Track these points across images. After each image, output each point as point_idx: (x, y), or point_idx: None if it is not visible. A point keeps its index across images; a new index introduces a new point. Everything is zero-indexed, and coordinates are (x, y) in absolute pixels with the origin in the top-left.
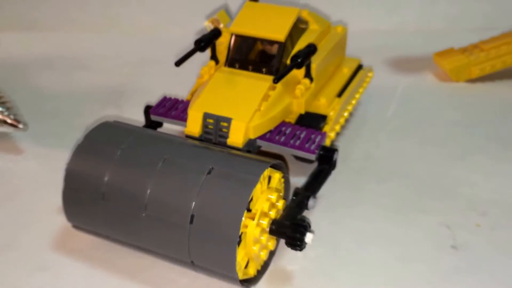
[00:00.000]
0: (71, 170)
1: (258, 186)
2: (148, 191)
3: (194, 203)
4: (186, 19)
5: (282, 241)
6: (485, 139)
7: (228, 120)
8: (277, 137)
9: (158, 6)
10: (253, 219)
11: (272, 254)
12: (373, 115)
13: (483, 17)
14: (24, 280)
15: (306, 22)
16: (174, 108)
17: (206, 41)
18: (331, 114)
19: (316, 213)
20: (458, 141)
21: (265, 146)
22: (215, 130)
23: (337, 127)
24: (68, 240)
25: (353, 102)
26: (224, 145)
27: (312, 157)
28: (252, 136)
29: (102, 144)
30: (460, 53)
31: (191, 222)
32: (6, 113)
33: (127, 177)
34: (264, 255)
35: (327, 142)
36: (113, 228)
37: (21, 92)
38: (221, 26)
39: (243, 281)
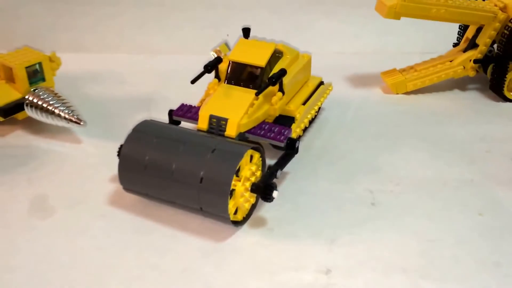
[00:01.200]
0: (125, 151)
1: (243, 160)
2: (174, 163)
3: (203, 170)
4: (198, 48)
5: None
6: (409, 135)
7: (226, 120)
8: (259, 131)
9: (179, 37)
10: (240, 181)
11: (253, 207)
12: (333, 118)
13: (424, 43)
14: (91, 223)
15: (281, 52)
16: (189, 111)
17: (212, 66)
18: (297, 116)
19: (285, 182)
20: (390, 136)
21: (251, 137)
22: (217, 126)
23: (302, 126)
24: (119, 199)
25: (316, 108)
26: (223, 136)
27: (282, 144)
28: (242, 130)
29: (144, 134)
30: (399, 72)
31: (201, 182)
32: (70, 113)
33: (161, 155)
34: (247, 206)
35: (294, 135)
36: (151, 188)
37: (76, 99)
38: (222, 55)
39: (233, 222)
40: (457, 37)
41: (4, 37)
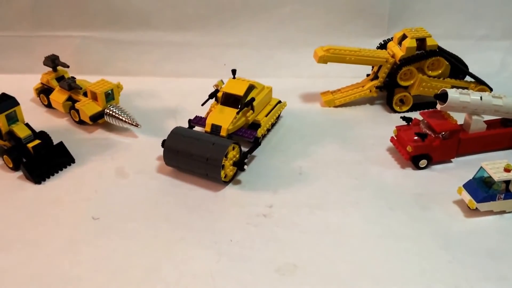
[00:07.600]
0: (167, 143)
1: (229, 148)
2: (193, 150)
3: (208, 154)
4: (205, 73)
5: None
6: (330, 134)
7: (220, 126)
8: (239, 133)
9: (194, 66)
10: (227, 160)
11: (235, 174)
12: (287, 124)
13: (354, 71)
14: (148, 181)
15: (253, 86)
16: (200, 120)
17: (213, 95)
18: (262, 123)
19: (252, 161)
20: (318, 135)
21: (234, 137)
22: (215, 130)
23: (265, 129)
24: (163, 169)
25: (274, 117)
26: (219, 135)
27: (252, 140)
28: (230, 132)
29: (177, 134)
30: (331, 93)
31: (207, 160)
32: (131, 119)
33: (186, 146)
34: (231, 173)
35: (259, 135)
36: (181, 164)
37: (131, 110)
38: (219, 88)
39: (224, 182)
40: (371, 70)
41: (85, 68)
